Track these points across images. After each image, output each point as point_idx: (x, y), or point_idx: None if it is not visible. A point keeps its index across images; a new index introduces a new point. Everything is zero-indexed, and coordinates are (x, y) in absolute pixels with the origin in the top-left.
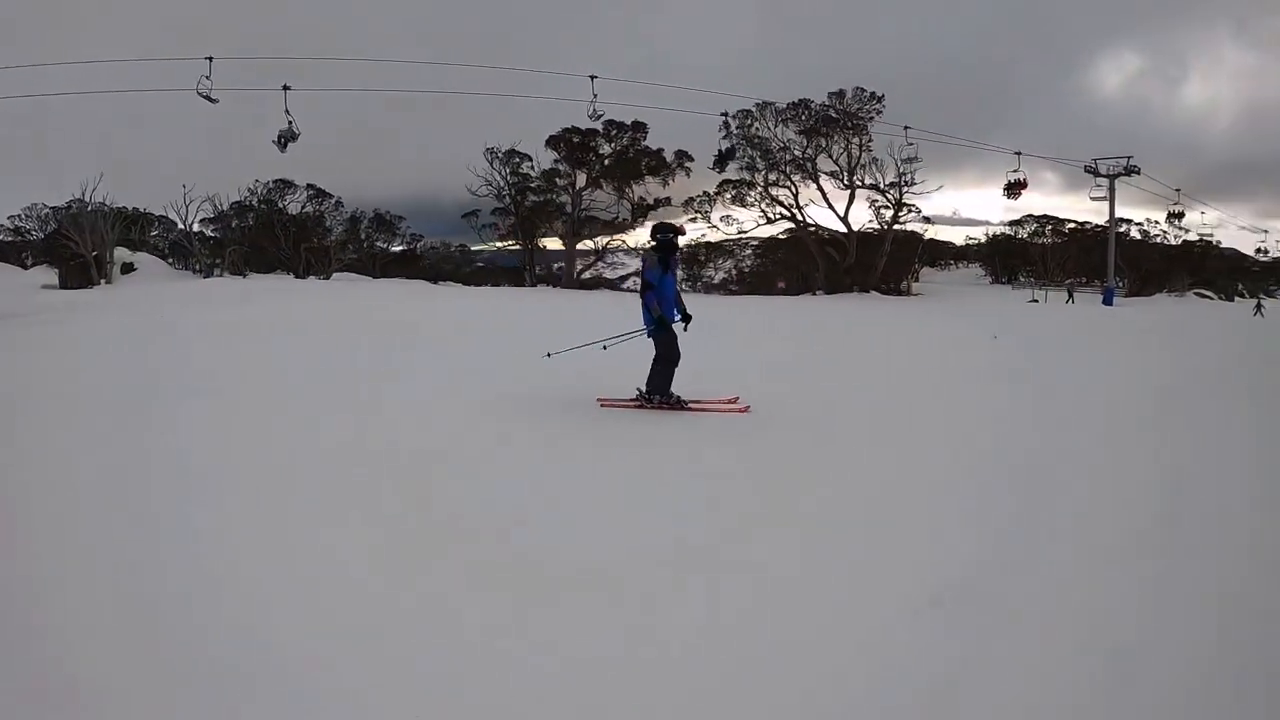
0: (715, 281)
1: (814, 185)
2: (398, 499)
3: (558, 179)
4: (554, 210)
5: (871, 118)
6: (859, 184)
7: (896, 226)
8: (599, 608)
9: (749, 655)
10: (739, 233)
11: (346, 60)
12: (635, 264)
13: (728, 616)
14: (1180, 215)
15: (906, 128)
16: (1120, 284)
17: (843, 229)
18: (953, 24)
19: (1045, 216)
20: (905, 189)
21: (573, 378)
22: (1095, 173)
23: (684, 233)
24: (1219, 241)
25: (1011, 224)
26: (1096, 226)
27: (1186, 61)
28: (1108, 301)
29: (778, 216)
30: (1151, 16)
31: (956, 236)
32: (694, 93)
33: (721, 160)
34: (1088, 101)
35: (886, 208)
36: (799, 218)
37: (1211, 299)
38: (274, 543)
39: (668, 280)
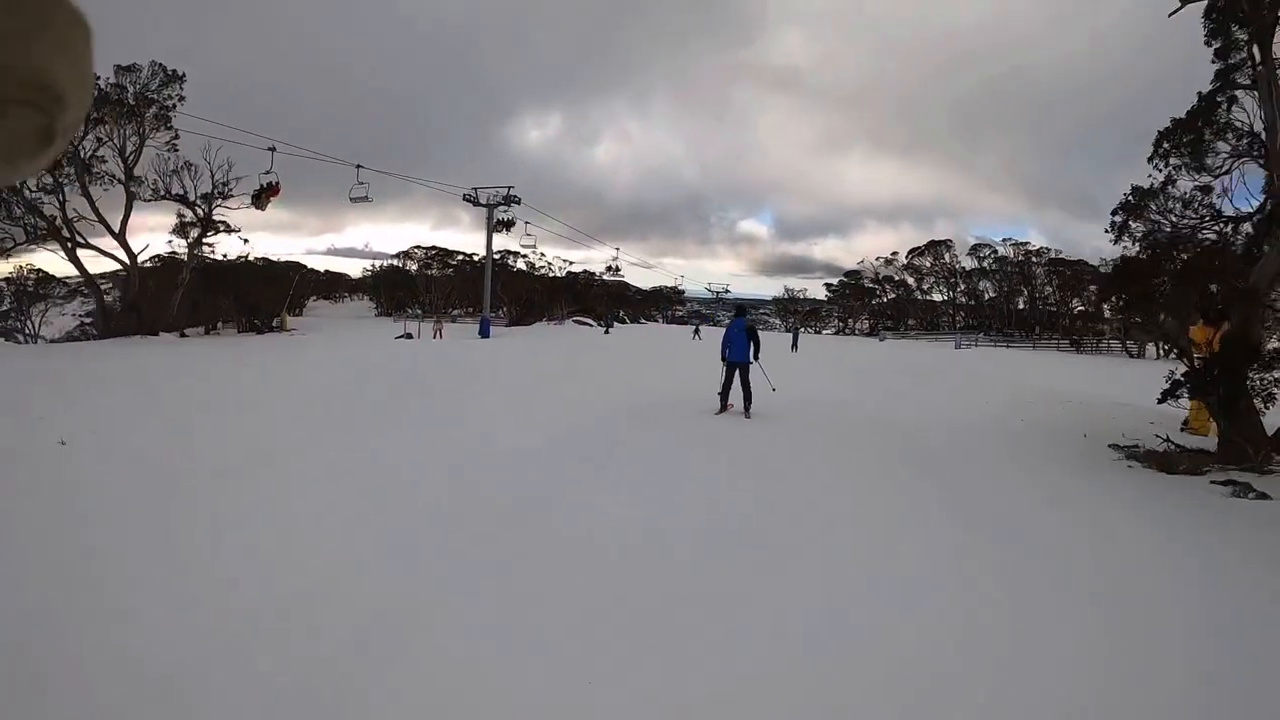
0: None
1: (81, 192)
2: None
3: None
4: None
5: (173, 104)
6: (154, 193)
7: (206, 248)
8: None
9: None
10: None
11: None
12: None
13: None
14: (509, 224)
15: (359, 166)
16: (500, 314)
17: (124, 252)
18: (387, 64)
19: (434, 248)
20: (218, 202)
21: None
22: (475, 201)
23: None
24: (600, 274)
25: (400, 255)
26: (484, 258)
27: (598, 128)
28: (484, 333)
29: (40, 232)
30: (571, 90)
31: (356, 269)
32: None
33: None
34: (513, 151)
35: (194, 225)
36: (69, 235)
37: (590, 325)
38: None
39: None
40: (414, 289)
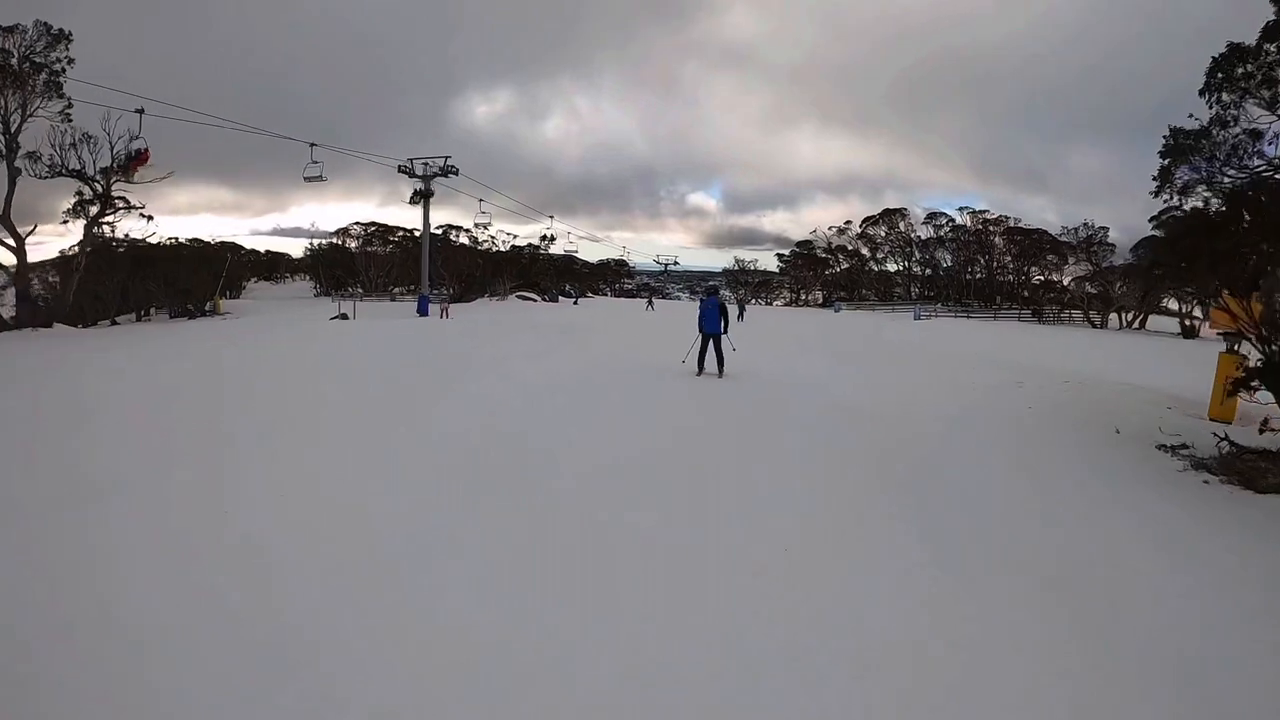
0: None
1: None
2: None
3: None
4: None
5: (62, 68)
6: (50, 170)
7: (105, 227)
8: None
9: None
10: None
11: None
12: None
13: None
14: (428, 194)
15: (313, 145)
16: (441, 291)
17: (11, 236)
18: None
19: (373, 224)
20: (118, 177)
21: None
22: (410, 172)
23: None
24: (542, 246)
25: (338, 232)
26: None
27: (549, 105)
28: (422, 311)
29: None
30: (521, 68)
31: (298, 248)
32: None
33: None
34: (463, 127)
35: (91, 203)
36: None
37: (534, 300)
38: None
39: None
40: (353, 267)
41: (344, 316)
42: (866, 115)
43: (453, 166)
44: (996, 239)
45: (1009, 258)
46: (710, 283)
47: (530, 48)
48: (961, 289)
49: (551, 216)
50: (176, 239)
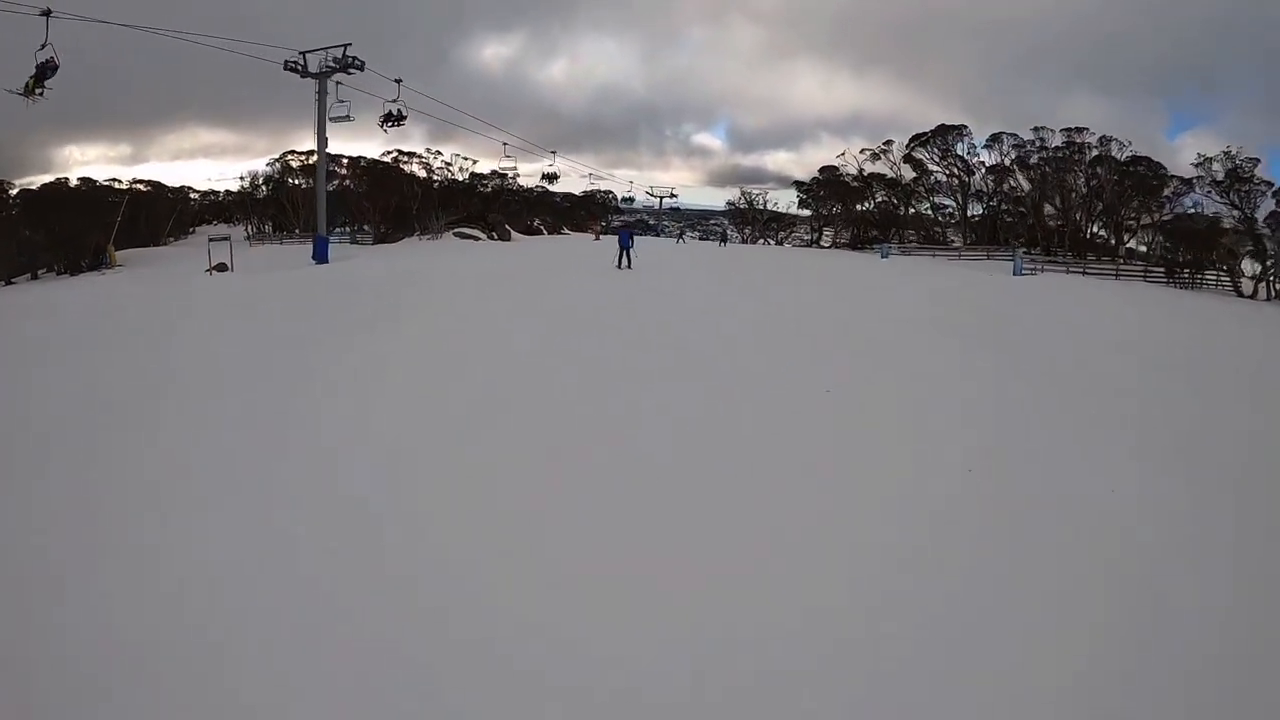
0: None
1: None
2: None
3: None
4: None
5: None
6: None
7: None
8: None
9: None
10: None
11: None
12: None
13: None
14: (398, 118)
15: (339, 83)
16: (352, 229)
17: None
18: None
19: (313, 152)
20: None
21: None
22: (303, 70)
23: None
24: (516, 175)
25: (274, 163)
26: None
27: (558, 46)
28: (320, 256)
29: None
30: (530, 11)
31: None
32: None
33: None
34: (474, 71)
35: None
36: None
37: (477, 239)
38: None
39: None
40: (284, 205)
41: (223, 267)
42: (868, 57)
43: (355, 59)
44: (1099, 169)
45: (1102, 194)
46: (625, 218)
47: None
48: (1048, 235)
49: (505, 143)
50: (65, 180)
